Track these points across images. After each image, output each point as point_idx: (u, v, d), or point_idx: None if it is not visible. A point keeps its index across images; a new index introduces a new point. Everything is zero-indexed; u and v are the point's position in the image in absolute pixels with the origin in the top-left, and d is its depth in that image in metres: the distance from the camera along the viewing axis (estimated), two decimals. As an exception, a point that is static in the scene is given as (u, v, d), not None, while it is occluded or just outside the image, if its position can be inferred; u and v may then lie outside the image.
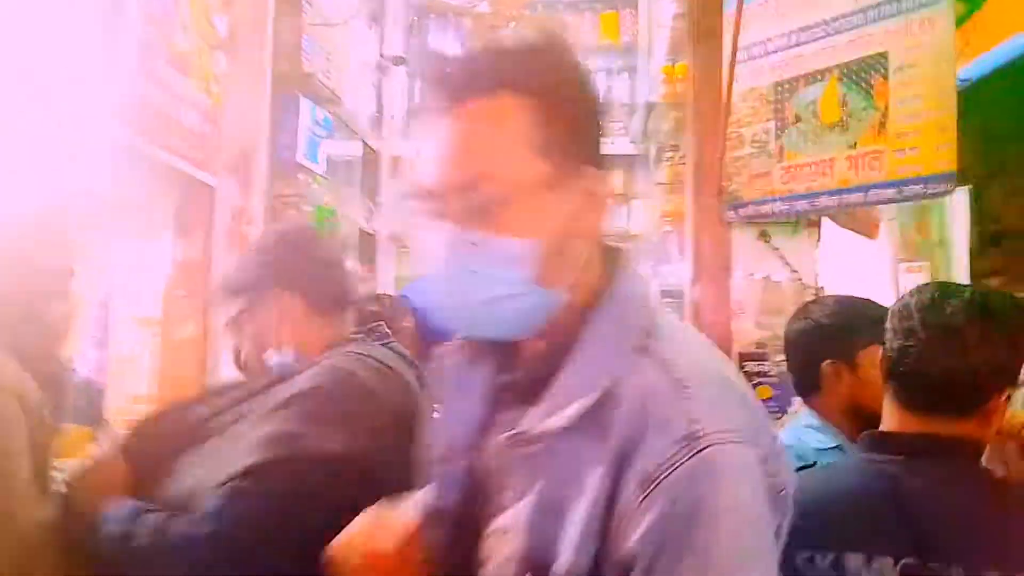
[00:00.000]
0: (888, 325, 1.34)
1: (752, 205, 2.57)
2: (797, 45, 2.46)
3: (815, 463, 1.58)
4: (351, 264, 3.29)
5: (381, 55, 4.22)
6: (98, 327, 3.22)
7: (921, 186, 2.12)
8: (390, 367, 1.37)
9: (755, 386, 2.58)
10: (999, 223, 2.77)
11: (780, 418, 2.54)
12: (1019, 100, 2.23)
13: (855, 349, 1.72)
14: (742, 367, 2.61)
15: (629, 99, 4.25)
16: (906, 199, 2.18)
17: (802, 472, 1.25)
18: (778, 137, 2.50)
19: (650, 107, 2.90)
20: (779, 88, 2.50)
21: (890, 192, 2.21)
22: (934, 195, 2.12)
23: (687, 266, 2.69)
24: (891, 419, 1.30)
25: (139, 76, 2.31)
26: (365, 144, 4.12)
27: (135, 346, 3.01)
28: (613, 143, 4.18)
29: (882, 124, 2.26)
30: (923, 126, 2.15)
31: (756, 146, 2.54)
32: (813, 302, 1.90)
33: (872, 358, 1.70)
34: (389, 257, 4.45)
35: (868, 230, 2.82)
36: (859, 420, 1.74)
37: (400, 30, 4.49)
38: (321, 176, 3.18)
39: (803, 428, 1.77)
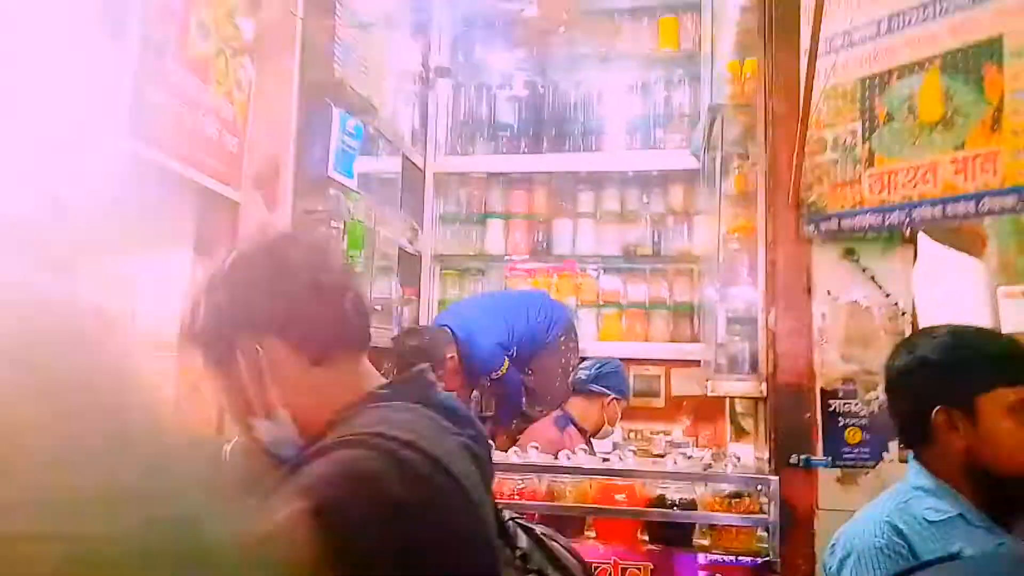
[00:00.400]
0: None
1: (836, 218, 2.22)
2: (888, 33, 2.12)
3: (955, 555, 1.24)
4: (366, 287, 3.03)
5: (424, 66, 4.00)
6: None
7: (1052, 192, 1.77)
8: (436, 459, 0.92)
9: (843, 428, 2.22)
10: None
11: (873, 467, 2.17)
12: None
13: (974, 393, 1.39)
14: (827, 406, 2.25)
15: (690, 109, 3.93)
16: (1031, 208, 1.82)
17: (942, 569, 0.91)
18: (866, 139, 2.16)
19: (715, 110, 2.58)
20: (867, 83, 2.16)
21: (1009, 200, 1.85)
22: (1069, 203, 1.76)
23: (759, 289, 2.36)
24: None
25: (145, 79, 2.10)
26: (407, 159, 3.89)
27: (153, 375, 2.81)
28: (673, 157, 3.87)
29: (996, 120, 1.90)
30: (1051, 120, 1.79)
31: (840, 150, 2.20)
32: (920, 333, 1.57)
33: (996, 404, 1.37)
34: (433, 279, 4.20)
35: (974, 247, 2.44)
36: (979, 481, 1.40)
37: (446, 40, 4.27)
38: (354, 191, 2.95)
39: (911, 491, 1.43)
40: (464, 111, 4.31)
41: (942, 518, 1.35)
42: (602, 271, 4.11)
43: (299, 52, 2.69)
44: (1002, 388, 1.37)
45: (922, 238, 2.37)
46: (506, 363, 3.30)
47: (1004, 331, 3.85)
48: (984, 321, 3.19)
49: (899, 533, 1.32)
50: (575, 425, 3.14)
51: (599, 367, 3.16)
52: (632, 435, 4.00)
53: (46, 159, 1.85)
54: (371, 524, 0.83)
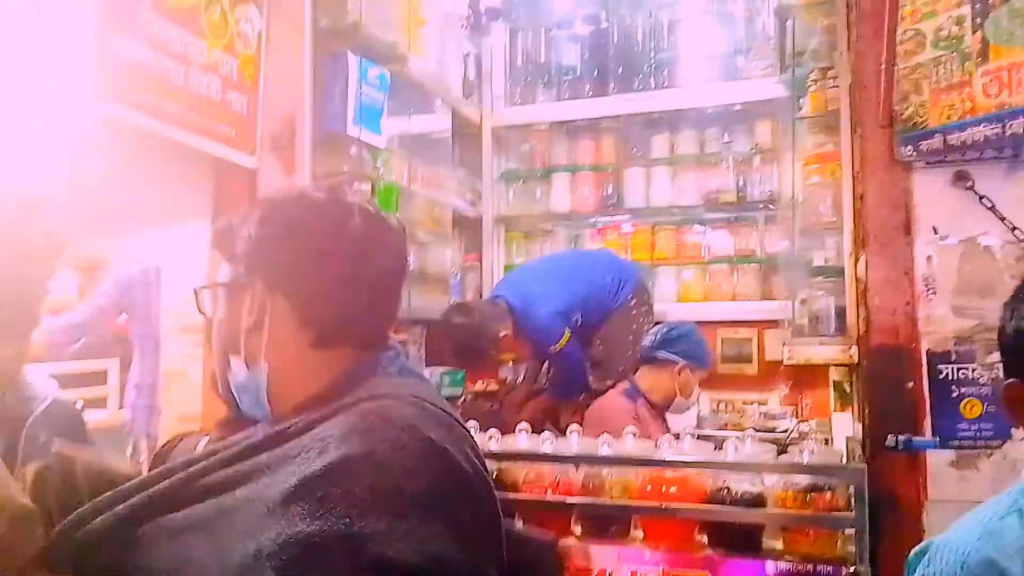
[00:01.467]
0: None
1: (941, 133, 1.75)
2: None
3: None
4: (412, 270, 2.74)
5: (472, 8, 3.65)
6: (149, 342, 2.92)
7: None
8: (449, 412, 0.96)
9: (957, 399, 1.77)
10: None
11: (999, 447, 1.71)
12: None
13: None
14: (937, 372, 1.80)
15: (777, 29, 3.39)
16: None
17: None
18: (977, 28, 1.66)
19: (784, 11, 2.11)
20: (977, -48, 1.66)
21: None
22: None
23: (846, 230, 1.91)
24: None
25: (111, 32, 1.88)
26: (459, 114, 3.58)
27: (183, 358, 2.66)
28: (758, 87, 3.36)
29: None
30: None
31: (944, 45, 1.71)
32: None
33: None
34: (496, 243, 3.88)
35: None
36: None
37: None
38: (383, 150, 2.67)
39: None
40: (521, 56, 3.94)
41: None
42: (682, 223, 3.67)
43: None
44: None
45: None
46: (566, 335, 2.96)
47: None
48: None
49: (994, 567, 0.91)
50: (645, 399, 2.78)
51: (667, 331, 2.77)
52: (722, 407, 3.59)
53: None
54: (418, 466, 0.82)
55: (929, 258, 1.82)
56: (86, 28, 1.84)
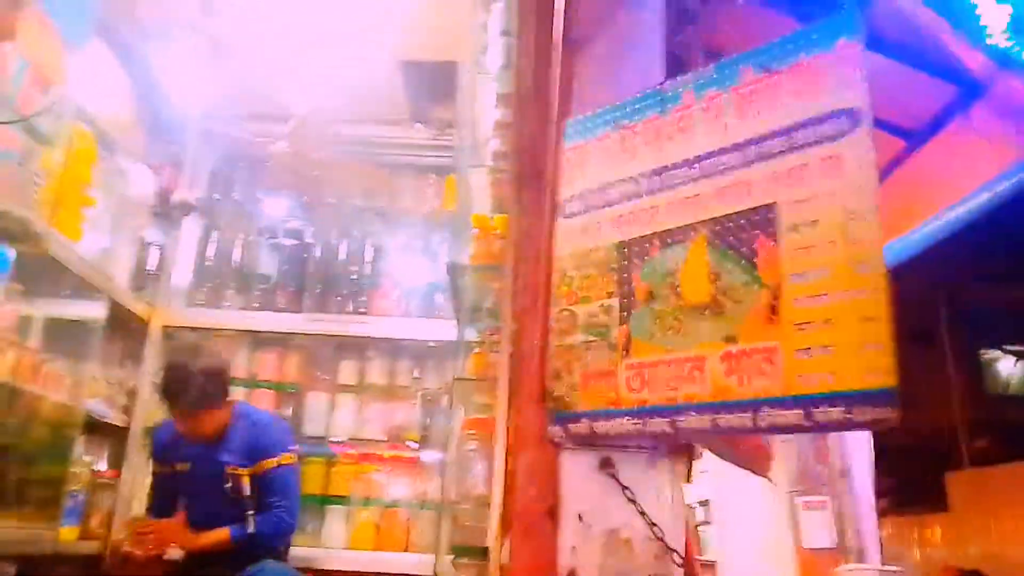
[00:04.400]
0: None
1: (589, 419, 1.70)
2: (649, 193, 1.72)
3: None
4: None
5: (162, 199, 3.34)
6: None
7: (841, 409, 1.31)
8: None
9: None
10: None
11: None
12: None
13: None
14: None
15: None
16: (819, 428, 1.35)
17: None
18: (623, 320, 1.68)
19: (454, 270, 2.07)
20: (624, 250, 1.72)
21: (791, 415, 1.38)
22: (863, 424, 1.29)
23: (493, 508, 1.76)
24: None
25: None
26: (120, 307, 3.12)
27: None
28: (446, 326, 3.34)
29: (772, 308, 1.47)
30: (836, 312, 1.37)
31: (595, 332, 1.71)
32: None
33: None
34: (145, 458, 3.31)
35: (757, 464, 1.98)
36: None
37: (203, 173, 3.66)
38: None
39: None
40: (215, 256, 3.64)
41: None
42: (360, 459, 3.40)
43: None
44: None
45: (704, 452, 1.89)
46: None
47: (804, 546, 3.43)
48: (783, 536, 2.73)
49: None
50: None
51: None
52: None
53: None
54: None
55: (574, 548, 1.71)
56: None
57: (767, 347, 1.46)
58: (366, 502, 3.32)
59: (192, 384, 2.55)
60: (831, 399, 1.33)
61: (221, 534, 2.60)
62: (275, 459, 2.69)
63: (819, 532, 3.34)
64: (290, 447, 2.79)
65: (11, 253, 2.27)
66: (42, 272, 2.55)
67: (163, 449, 2.81)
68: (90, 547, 2.97)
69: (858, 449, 3.40)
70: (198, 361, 2.60)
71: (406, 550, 3.22)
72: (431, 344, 3.48)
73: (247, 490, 2.64)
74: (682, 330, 1.60)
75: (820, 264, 1.42)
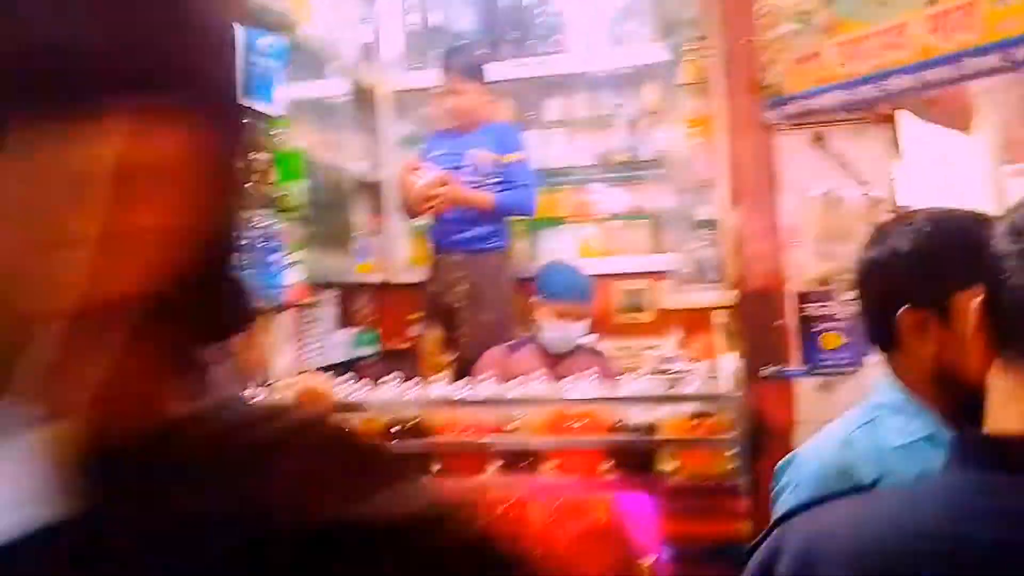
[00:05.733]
0: (994, 252, 0.73)
1: (799, 99, 1.96)
2: None
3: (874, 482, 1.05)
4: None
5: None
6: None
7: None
8: None
9: (819, 333, 2.02)
10: None
11: (854, 372, 1.97)
12: None
13: (948, 291, 1.13)
14: (801, 310, 2.04)
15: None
16: (1017, 67, 1.55)
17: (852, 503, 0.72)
18: (828, 3, 1.87)
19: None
20: (826, -64, 1.86)
21: (992, 60, 1.58)
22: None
23: (722, 187, 2.12)
24: (1006, 410, 0.71)
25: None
26: (355, 80, 3.61)
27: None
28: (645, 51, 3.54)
29: (974, -36, 1.61)
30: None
31: (798, 19, 1.92)
32: (895, 221, 1.30)
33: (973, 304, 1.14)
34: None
35: (960, 120, 2.17)
36: (954, 394, 1.17)
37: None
38: (280, 118, 2.70)
39: (877, 409, 1.22)
40: (420, 20, 4.00)
41: (908, 441, 1.15)
42: (577, 182, 3.85)
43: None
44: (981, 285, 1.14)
45: (902, 114, 2.10)
46: None
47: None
48: (984, 207, 2.92)
49: (846, 472, 1.13)
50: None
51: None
52: (621, 351, 3.83)
53: None
54: None
55: (794, 211, 2.05)
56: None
57: (967, 2, 1.62)
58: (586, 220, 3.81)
59: None
60: (1031, 37, 1.51)
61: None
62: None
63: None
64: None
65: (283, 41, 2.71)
66: (297, 57, 3.02)
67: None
68: (378, 277, 3.74)
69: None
70: None
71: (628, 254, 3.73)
72: (626, 71, 3.73)
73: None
74: (885, 2, 1.77)
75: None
